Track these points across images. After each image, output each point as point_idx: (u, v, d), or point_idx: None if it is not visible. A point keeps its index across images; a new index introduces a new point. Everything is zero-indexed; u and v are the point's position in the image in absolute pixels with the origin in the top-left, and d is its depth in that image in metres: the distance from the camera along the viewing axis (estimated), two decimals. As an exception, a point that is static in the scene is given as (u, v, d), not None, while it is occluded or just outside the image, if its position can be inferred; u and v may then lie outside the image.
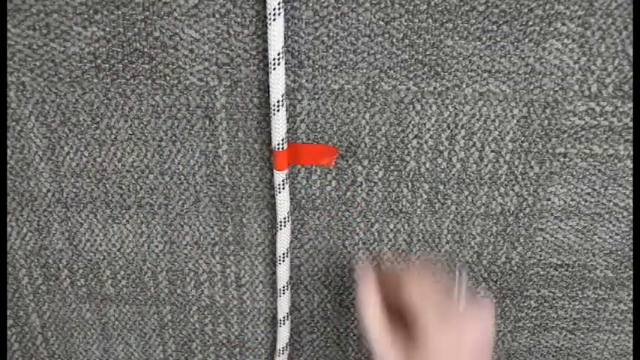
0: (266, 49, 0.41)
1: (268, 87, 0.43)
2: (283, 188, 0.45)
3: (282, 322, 0.52)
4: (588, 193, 0.47)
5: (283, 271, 0.49)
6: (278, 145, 0.43)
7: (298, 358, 0.54)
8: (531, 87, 0.42)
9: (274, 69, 0.40)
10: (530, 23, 0.40)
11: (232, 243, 0.50)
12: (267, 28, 0.40)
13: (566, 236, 0.49)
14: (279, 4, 0.38)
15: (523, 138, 0.44)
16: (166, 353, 0.56)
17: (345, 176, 0.46)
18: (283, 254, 0.48)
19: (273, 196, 0.47)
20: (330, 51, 0.41)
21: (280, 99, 0.41)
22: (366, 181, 0.46)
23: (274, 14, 0.39)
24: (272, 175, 0.46)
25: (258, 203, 0.48)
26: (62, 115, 0.44)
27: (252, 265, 0.51)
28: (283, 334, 0.53)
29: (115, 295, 0.52)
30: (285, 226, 0.47)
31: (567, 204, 0.47)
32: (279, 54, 0.40)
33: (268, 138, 0.45)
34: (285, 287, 0.50)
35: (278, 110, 0.42)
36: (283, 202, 0.46)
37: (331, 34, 0.41)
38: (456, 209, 0.47)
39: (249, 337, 0.54)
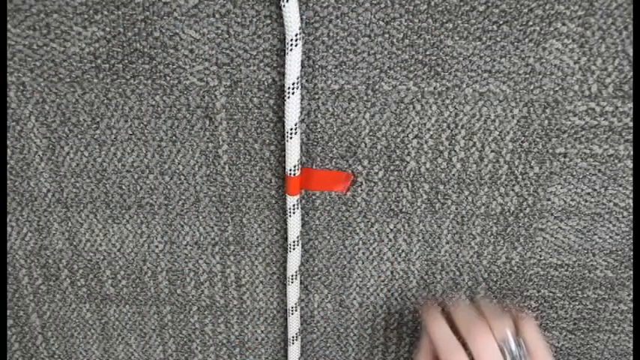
0: (267, 49, 0.41)
1: (283, 112, 0.43)
2: (294, 212, 0.45)
3: (292, 341, 0.52)
4: (588, 193, 0.47)
5: (293, 292, 0.49)
6: (291, 170, 0.43)
7: (298, 359, 0.54)
8: (531, 87, 0.42)
9: (289, 97, 0.40)
10: (530, 23, 0.40)
11: (232, 243, 0.50)
12: (284, 56, 0.40)
13: (566, 236, 0.49)
14: (296, 35, 0.39)
15: (523, 138, 0.44)
16: (166, 353, 0.56)
17: (345, 176, 0.46)
18: (293, 275, 0.49)
19: (272, 196, 0.47)
20: (330, 51, 0.41)
21: (294, 126, 0.41)
22: (366, 181, 0.46)
23: (292, 44, 0.39)
24: (272, 176, 0.46)
25: (258, 203, 0.48)
26: (62, 115, 0.44)
27: (252, 265, 0.51)
28: (294, 353, 0.53)
29: (115, 295, 0.52)
30: (295, 248, 0.47)
31: (567, 204, 0.47)
32: (293, 83, 0.40)
33: (269, 138, 0.45)
34: (295, 307, 0.50)
35: (291, 137, 0.42)
36: (294, 225, 0.46)
37: (331, 34, 0.41)
38: (456, 209, 0.47)
39: (249, 337, 0.54)
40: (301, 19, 0.40)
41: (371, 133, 0.45)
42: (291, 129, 0.42)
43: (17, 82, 0.43)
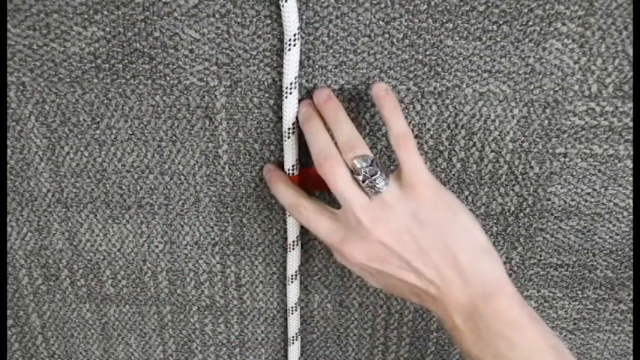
0: (267, 49, 0.41)
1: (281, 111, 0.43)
2: None
3: (292, 341, 0.52)
4: (588, 193, 0.47)
5: (293, 292, 0.49)
6: (289, 170, 0.43)
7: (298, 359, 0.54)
8: (531, 87, 0.42)
9: (287, 97, 0.40)
10: (530, 23, 0.40)
11: (232, 243, 0.50)
12: (282, 56, 0.40)
13: (566, 236, 0.49)
14: (294, 35, 0.39)
15: (523, 138, 0.44)
16: (166, 353, 0.56)
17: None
18: (293, 275, 0.49)
19: (273, 196, 0.47)
20: (330, 51, 0.41)
21: (292, 126, 0.41)
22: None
23: (290, 43, 0.39)
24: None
25: (258, 203, 0.48)
26: (62, 115, 0.44)
27: (252, 265, 0.51)
28: (294, 353, 0.53)
29: (115, 295, 0.52)
30: (295, 248, 0.47)
31: (567, 204, 0.47)
32: (291, 83, 0.40)
33: (269, 138, 0.45)
34: (295, 307, 0.50)
35: (289, 137, 0.42)
36: (294, 225, 0.46)
37: (331, 34, 0.41)
38: (456, 209, 0.47)
39: (249, 337, 0.54)
40: (301, 18, 0.40)
41: (371, 133, 0.45)
42: (289, 129, 0.42)
43: (17, 82, 0.43)
